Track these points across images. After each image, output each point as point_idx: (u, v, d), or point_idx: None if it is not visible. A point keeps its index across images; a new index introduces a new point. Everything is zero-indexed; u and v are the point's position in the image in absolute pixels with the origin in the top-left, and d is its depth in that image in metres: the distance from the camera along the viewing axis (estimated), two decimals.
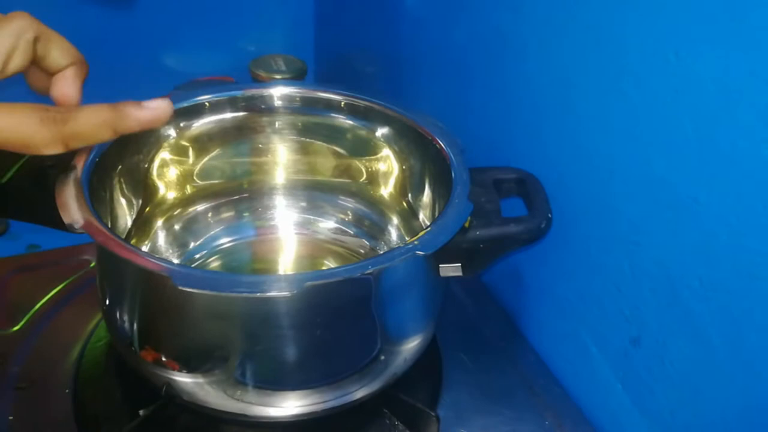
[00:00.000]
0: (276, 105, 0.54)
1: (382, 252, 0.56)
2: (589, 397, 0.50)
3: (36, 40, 0.37)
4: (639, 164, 0.41)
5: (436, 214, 0.47)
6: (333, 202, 0.59)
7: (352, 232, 0.59)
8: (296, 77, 0.72)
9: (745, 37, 0.33)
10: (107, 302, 0.43)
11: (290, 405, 0.42)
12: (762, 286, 0.35)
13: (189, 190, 0.56)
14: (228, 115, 0.54)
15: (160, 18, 0.77)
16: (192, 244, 0.57)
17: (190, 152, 0.54)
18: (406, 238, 0.54)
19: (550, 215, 0.46)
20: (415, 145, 0.51)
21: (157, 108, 0.39)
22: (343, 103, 0.53)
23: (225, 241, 0.58)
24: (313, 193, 0.59)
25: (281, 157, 0.58)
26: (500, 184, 0.48)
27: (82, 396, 0.48)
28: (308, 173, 0.58)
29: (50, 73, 0.39)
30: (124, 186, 0.50)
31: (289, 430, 0.45)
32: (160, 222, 0.55)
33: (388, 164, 0.55)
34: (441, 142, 0.48)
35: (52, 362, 0.50)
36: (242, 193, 0.58)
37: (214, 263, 0.57)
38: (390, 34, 0.69)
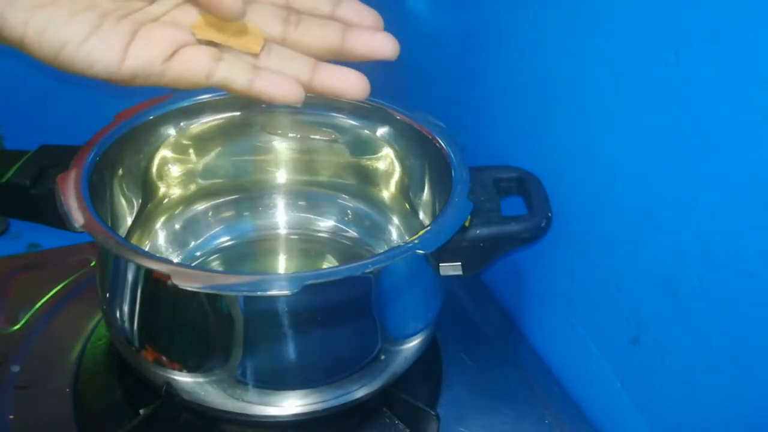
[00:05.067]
0: (276, 104, 0.54)
1: (382, 251, 0.56)
2: (588, 396, 0.50)
3: None
4: (639, 164, 0.41)
5: (436, 213, 0.47)
6: (333, 201, 0.59)
7: (352, 231, 0.59)
8: None
9: (745, 37, 0.33)
10: (107, 301, 0.43)
11: (290, 404, 0.42)
12: (761, 286, 0.35)
13: (189, 189, 0.56)
14: (228, 114, 0.54)
15: None
16: (192, 243, 0.57)
17: (191, 151, 0.54)
18: (406, 237, 0.54)
19: (550, 214, 0.46)
20: (416, 144, 0.51)
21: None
22: (343, 102, 0.53)
23: (225, 240, 0.58)
24: (314, 192, 0.59)
25: (281, 156, 0.58)
26: (500, 183, 0.48)
27: (82, 395, 0.48)
28: (308, 172, 0.58)
29: None
30: (124, 185, 0.50)
31: (290, 430, 0.45)
32: (160, 221, 0.55)
33: (388, 163, 0.55)
34: (441, 142, 0.48)
35: (53, 361, 0.50)
36: (242, 192, 0.58)
37: (215, 262, 0.57)
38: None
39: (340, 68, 0.33)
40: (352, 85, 0.32)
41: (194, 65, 0.31)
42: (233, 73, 0.31)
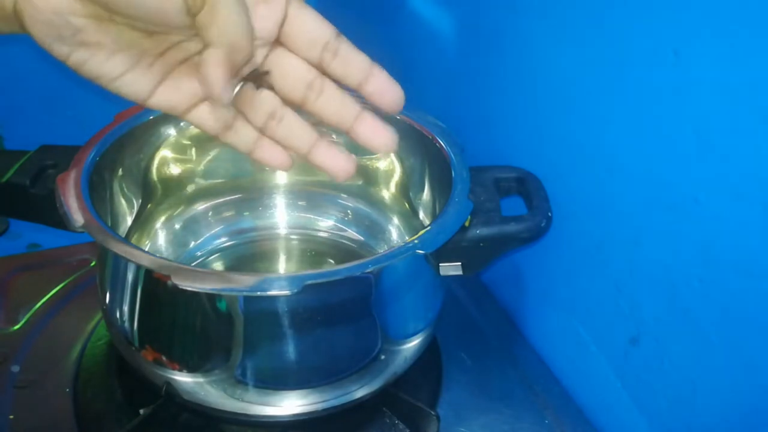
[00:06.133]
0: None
1: (382, 251, 0.56)
2: (588, 396, 0.50)
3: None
4: (639, 164, 0.41)
5: (437, 213, 0.47)
6: (333, 201, 0.59)
7: (352, 231, 0.59)
8: None
9: (745, 36, 0.33)
10: (107, 301, 0.43)
11: (290, 404, 0.42)
12: (761, 286, 0.35)
13: (189, 189, 0.56)
14: None
15: None
16: (192, 244, 0.57)
17: (191, 151, 0.54)
18: (407, 237, 0.54)
19: (550, 214, 0.46)
20: (416, 144, 0.51)
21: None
22: None
23: (225, 241, 0.58)
24: (314, 192, 0.59)
25: None
26: (500, 183, 0.48)
27: (82, 395, 0.48)
28: (308, 172, 0.58)
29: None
30: (124, 185, 0.50)
31: (290, 430, 0.45)
32: (160, 221, 0.55)
33: (388, 163, 0.55)
34: (441, 142, 0.48)
35: (53, 361, 0.50)
36: (242, 193, 0.59)
37: (215, 262, 0.57)
38: (390, 33, 0.69)
39: (335, 151, 0.36)
40: (342, 169, 0.36)
41: (208, 124, 0.34)
42: (238, 141, 0.35)
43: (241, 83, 0.33)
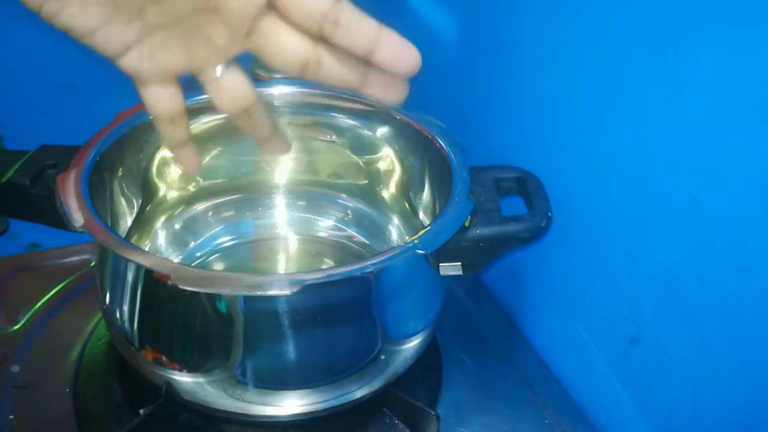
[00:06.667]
0: (276, 104, 0.54)
1: (382, 251, 0.56)
2: (588, 396, 0.50)
3: None
4: (639, 164, 0.41)
5: (437, 213, 0.47)
6: (333, 201, 0.59)
7: (352, 232, 0.59)
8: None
9: (745, 36, 0.33)
10: (107, 301, 0.43)
11: (290, 404, 0.42)
12: (761, 286, 0.35)
13: (189, 189, 0.56)
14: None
15: None
16: (192, 244, 0.57)
17: None
18: (407, 237, 0.54)
19: (550, 214, 0.46)
20: (416, 144, 0.51)
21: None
22: (343, 102, 0.53)
23: (225, 241, 0.58)
24: (314, 192, 0.59)
25: (281, 157, 0.58)
26: (500, 183, 0.48)
27: (82, 395, 0.48)
28: (308, 172, 0.58)
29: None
30: (124, 185, 0.50)
31: (290, 430, 0.45)
32: (160, 221, 0.55)
33: (388, 163, 0.55)
34: (441, 142, 0.48)
35: (53, 361, 0.50)
36: (242, 193, 0.58)
37: (215, 262, 0.57)
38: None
39: (280, 141, 0.39)
40: (276, 149, 0.40)
41: (160, 107, 0.34)
42: (170, 135, 0.37)
43: (224, 67, 0.33)
